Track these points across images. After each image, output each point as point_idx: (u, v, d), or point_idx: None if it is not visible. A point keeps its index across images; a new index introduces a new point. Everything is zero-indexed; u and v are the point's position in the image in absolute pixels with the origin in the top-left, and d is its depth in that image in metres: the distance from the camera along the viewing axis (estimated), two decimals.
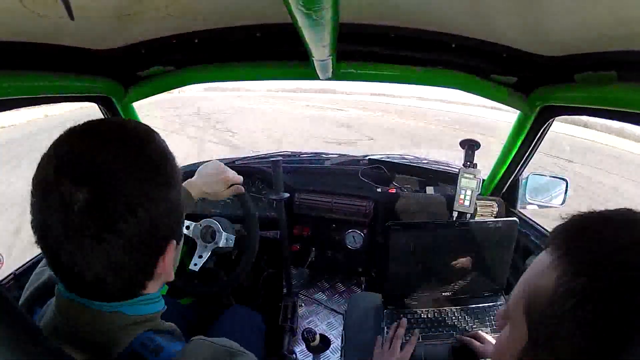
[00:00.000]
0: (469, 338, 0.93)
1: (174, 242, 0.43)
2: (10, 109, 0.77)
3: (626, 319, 0.32)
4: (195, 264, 1.09)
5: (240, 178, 0.95)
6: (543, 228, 1.17)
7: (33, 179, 0.38)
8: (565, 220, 0.38)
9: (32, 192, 0.37)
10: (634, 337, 0.32)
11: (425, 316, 1.04)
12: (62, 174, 0.35)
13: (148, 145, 0.40)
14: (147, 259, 0.41)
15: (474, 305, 1.07)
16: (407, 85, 1.02)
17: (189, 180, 0.87)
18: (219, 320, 1.07)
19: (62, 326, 0.41)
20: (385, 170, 1.50)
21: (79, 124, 0.40)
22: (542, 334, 0.37)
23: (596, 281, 0.33)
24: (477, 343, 0.91)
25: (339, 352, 1.33)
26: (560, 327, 0.35)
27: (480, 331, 0.97)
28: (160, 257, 0.42)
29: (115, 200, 0.36)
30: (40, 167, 0.37)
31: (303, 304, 1.56)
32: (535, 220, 1.22)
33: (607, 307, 0.32)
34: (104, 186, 0.35)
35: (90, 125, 0.40)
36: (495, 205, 1.30)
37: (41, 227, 0.37)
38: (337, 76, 0.96)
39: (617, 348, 0.33)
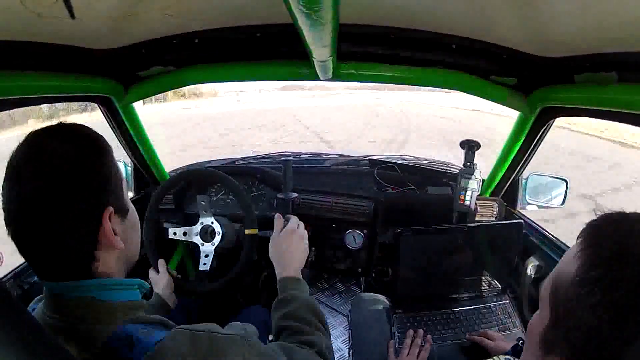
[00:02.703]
0: (479, 337, 0.95)
1: (110, 209, 0.46)
2: (10, 108, 0.77)
3: (634, 308, 0.37)
4: (205, 263, 1.12)
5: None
6: (543, 228, 1.17)
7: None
8: (597, 216, 0.44)
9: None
10: None
11: (434, 318, 1.05)
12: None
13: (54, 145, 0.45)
14: (79, 225, 0.44)
15: (480, 305, 1.08)
16: (407, 85, 1.02)
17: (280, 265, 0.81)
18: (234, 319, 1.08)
19: (50, 320, 0.44)
20: (398, 170, 1.50)
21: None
22: (561, 314, 0.43)
23: (610, 273, 0.38)
24: (488, 341, 0.92)
25: (339, 352, 1.34)
26: (575, 309, 0.40)
27: (488, 330, 0.98)
28: (99, 225, 0.45)
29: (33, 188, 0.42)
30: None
31: None
32: (535, 221, 1.22)
33: (616, 296, 0.38)
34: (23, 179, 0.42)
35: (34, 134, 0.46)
36: (496, 205, 1.30)
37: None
38: (337, 76, 0.96)
39: (630, 334, 0.37)
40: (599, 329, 0.39)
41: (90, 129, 0.50)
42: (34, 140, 0.45)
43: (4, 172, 0.43)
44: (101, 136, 0.50)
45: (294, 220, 0.85)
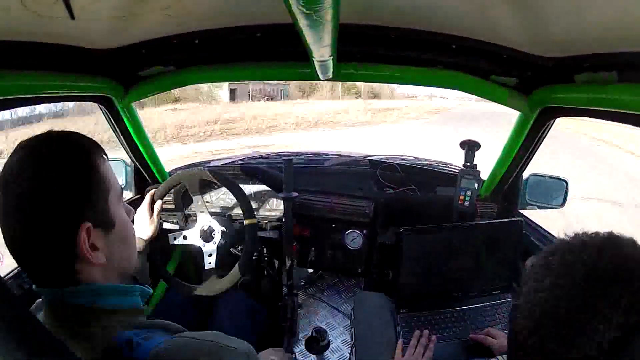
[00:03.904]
0: (483, 336, 0.95)
1: (88, 224, 0.44)
2: (10, 108, 0.77)
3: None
4: (210, 262, 1.14)
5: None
6: (542, 229, 1.17)
7: None
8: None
9: None
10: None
11: (438, 317, 1.05)
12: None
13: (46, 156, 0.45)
14: (53, 239, 0.43)
15: (483, 304, 1.09)
16: (407, 85, 1.03)
17: None
18: (216, 307, 1.13)
19: (48, 326, 0.43)
20: (399, 171, 1.50)
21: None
22: (521, 306, 0.47)
23: (555, 262, 0.43)
24: (491, 339, 0.93)
25: (338, 352, 1.34)
26: (527, 297, 0.45)
27: (491, 328, 0.99)
28: (74, 238, 0.44)
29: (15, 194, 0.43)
30: None
31: (302, 304, 1.55)
32: (535, 222, 1.22)
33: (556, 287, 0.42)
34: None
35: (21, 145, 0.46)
36: (496, 206, 1.30)
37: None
38: (337, 77, 0.96)
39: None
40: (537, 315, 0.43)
41: (82, 137, 0.48)
42: (21, 149, 0.45)
43: None
44: (91, 145, 0.47)
45: None
